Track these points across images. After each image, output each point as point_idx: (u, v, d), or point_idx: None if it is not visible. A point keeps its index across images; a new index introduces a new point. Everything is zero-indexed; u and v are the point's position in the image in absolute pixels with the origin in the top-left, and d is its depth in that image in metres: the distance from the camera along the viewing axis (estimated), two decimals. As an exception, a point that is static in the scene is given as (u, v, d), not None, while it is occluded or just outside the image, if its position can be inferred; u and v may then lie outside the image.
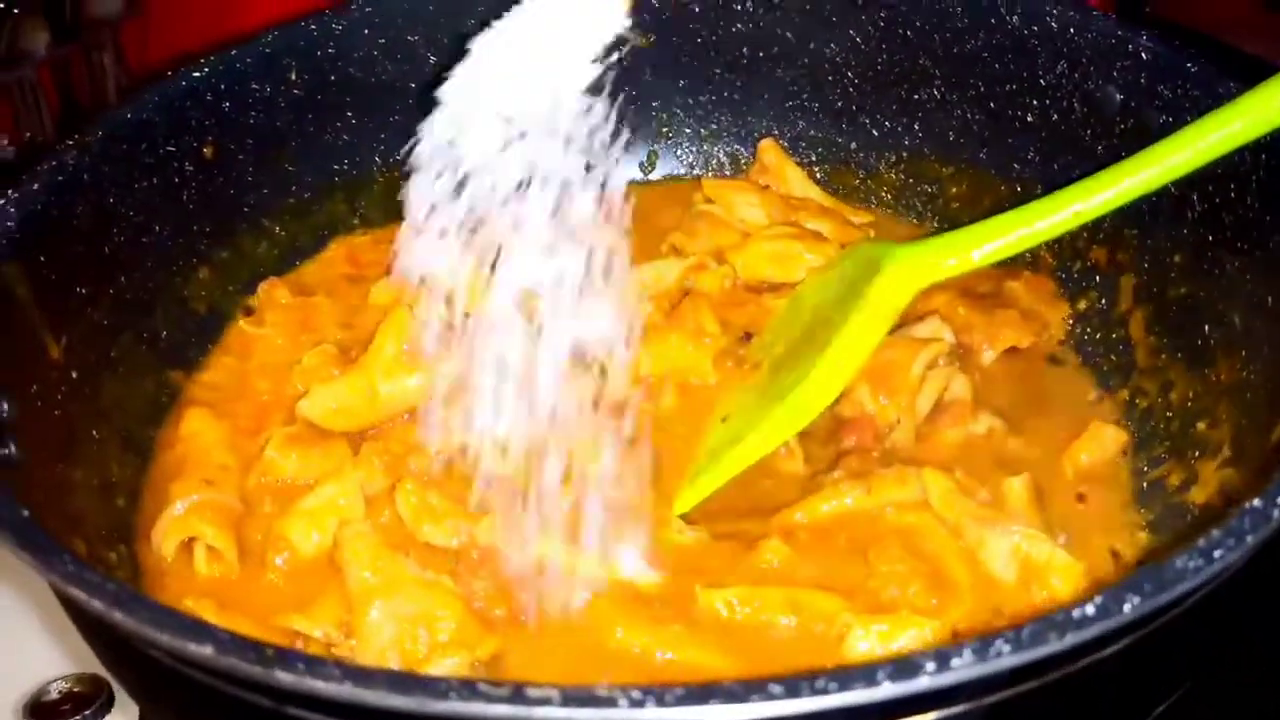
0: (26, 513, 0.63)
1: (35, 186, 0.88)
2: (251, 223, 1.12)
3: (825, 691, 0.49)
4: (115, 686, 1.01)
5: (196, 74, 1.04)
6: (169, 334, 1.03)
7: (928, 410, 0.99)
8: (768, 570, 0.88)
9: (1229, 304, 0.92)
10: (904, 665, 0.50)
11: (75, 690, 1.02)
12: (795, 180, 1.20)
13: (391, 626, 0.79)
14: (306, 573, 0.89)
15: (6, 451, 0.73)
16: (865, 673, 0.50)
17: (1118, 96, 1.03)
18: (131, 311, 0.99)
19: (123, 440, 0.94)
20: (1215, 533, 0.55)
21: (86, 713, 1.01)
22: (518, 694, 0.51)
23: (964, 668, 0.50)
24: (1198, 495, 0.89)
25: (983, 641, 0.51)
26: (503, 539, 0.86)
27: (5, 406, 0.76)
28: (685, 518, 0.92)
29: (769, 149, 1.22)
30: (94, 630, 0.69)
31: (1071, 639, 0.51)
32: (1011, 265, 1.12)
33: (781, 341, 1.03)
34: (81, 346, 0.91)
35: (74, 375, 0.90)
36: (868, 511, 0.92)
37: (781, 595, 0.86)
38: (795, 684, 0.49)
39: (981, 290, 1.11)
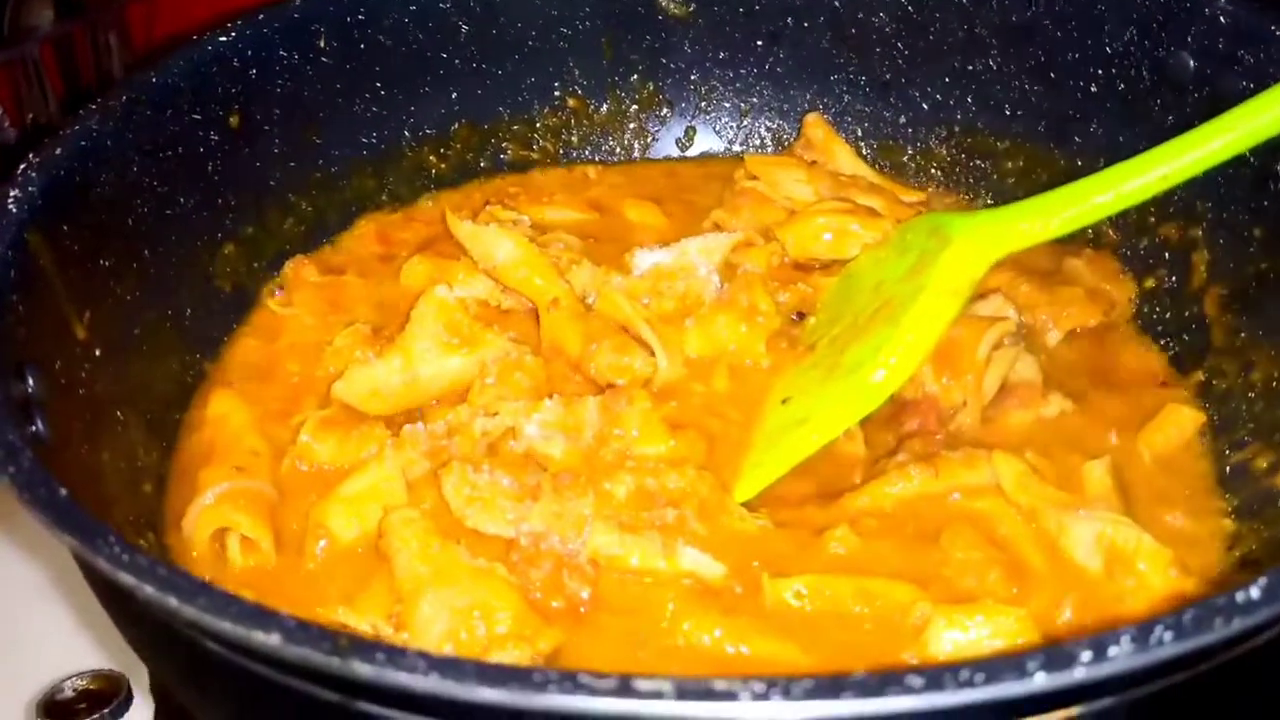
0: (65, 492, 0.57)
1: (59, 152, 0.83)
2: (278, 197, 1.07)
3: (971, 684, 0.44)
4: (133, 684, 0.97)
5: (224, 39, 0.99)
6: (194, 312, 0.98)
7: (994, 392, 0.94)
8: (836, 558, 0.83)
9: (1315, 276, 0.88)
10: (1057, 655, 0.45)
11: (91, 688, 0.98)
12: (843, 156, 1.15)
13: (445, 618, 0.74)
14: (348, 562, 0.83)
15: (36, 429, 0.67)
16: (1015, 663, 0.45)
17: (1191, 63, 0.98)
18: (156, 288, 0.93)
19: (148, 423, 0.89)
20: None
21: (104, 711, 0.97)
22: (625, 686, 0.45)
23: (1122, 657, 0.45)
24: (1289, 480, 0.85)
25: (1141, 628, 0.46)
26: (558, 526, 0.81)
27: (32, 382, 0.71)
28: (746, 505, 0.87)
29: (815, 123, 1.17)
30: (136, 620, 0.63)
31: (1239, 624, 0.46)
32: (1072, 243, 1.08)
33: (839, 321, 0.98)
34: (106, 324, 0.85)
35: (98, 354, 0.84)
36: (936, 496, 0.87)
37: (852, 585, 0.81)
38: (938, 675, 0.44)
39: (1043, 268, 1.06)
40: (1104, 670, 0.45)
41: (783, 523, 0.86)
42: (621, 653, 0.77)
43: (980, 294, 1.00)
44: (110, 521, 0.75)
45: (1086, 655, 0.45)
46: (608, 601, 0.80)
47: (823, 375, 0.92)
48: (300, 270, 1.05)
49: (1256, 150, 0.92)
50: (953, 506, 0.86)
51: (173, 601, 0.50)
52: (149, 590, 0.51)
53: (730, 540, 0.84)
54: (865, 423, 0.92)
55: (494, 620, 0.74)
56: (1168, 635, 0.45)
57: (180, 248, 0.97)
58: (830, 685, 0.44)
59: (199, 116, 0.98)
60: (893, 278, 0.95)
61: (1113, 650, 0.45)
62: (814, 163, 1.14)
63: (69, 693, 0.97)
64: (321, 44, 1.07)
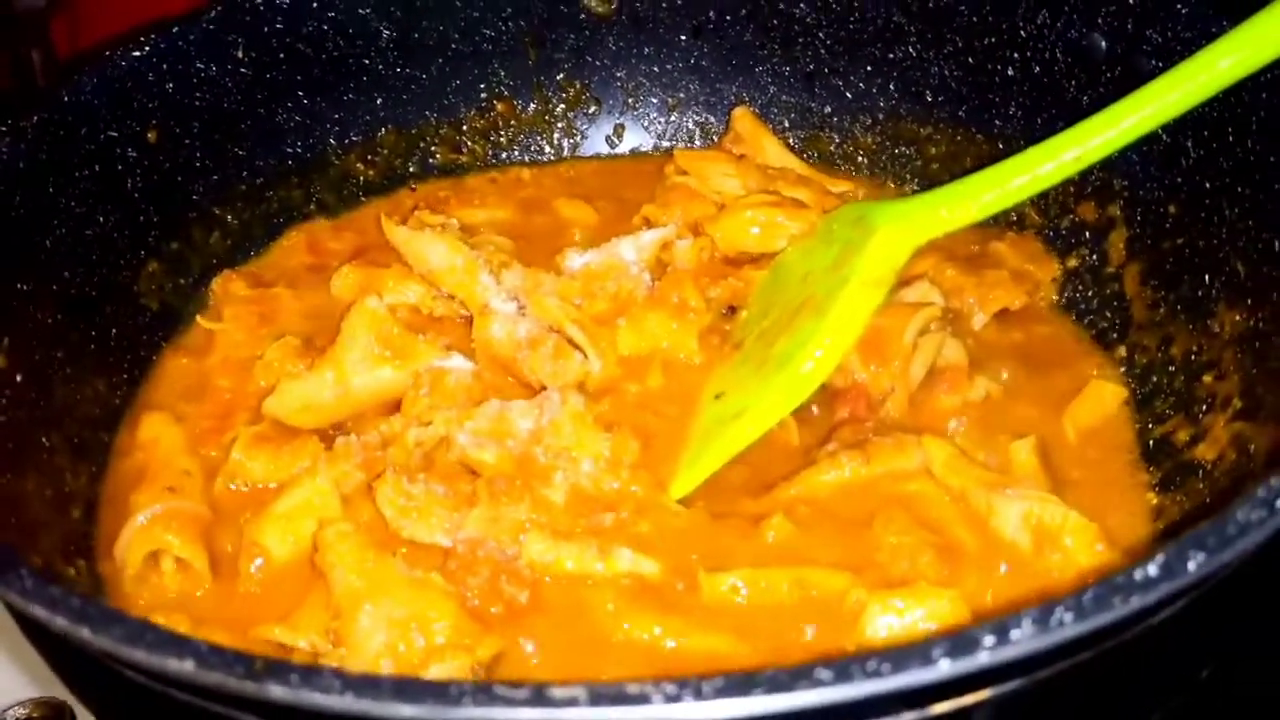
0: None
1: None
2: (201, 211, 1.06)
3: (879, 674, 0.45)
4: (77, 710, 0.96)
5: (137, 53, 0.98)
6: (119, 332, 0.97)
7: (921, 377, 0.96)
8: (772, 548, 0.84)
9: (1231, 252, 0.89)
10: (960, 641, 0.46)
11: (34, 716, 0.97)
12: (771, 148, 1.16)
13: (383, 632, 0.73)
14: (284, 580, 0.83)
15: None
16: (920, 651, 0.45)
17: (1103, 44, 1.00)
18: (78, 310, 0.92)
19: (75, 447, 0.88)
20: (1275, 481, 0.51)
21: None
22: (539, 695, 0.46)
23: (1025, 640, 0.46)
24: (1207, 451, 0.86)
25: (1041, 610, 0.47)
26: (493, 532, 0.81)
27: (-54, 413, 0.70)
28: (684, 499, 0.88)
29: (742, 117, 1.17)
30: (56, 651, 0.63)
31: (1137, 602, 0.47)
32: (996, 226, 1.09)
33: (769, 313, 0.98)
34: (26, 349, 0.84)
35: (19, 379, 0.83)
36: (868, 482, 0.88)
37: (787, 575, 0.81)
38: (845, 667, 0.45)
39: (967, 252, 1.07)
40: (1008, 654, 0.46)
41: (720, 514, 0.87)
42: (563, 656, 0.77)
43: (906, 280, 1.01)
44: (35, 550, 0.75)
45: (989, 640, 0.46)
46: (548, 604, 0.80)
47: (754, 369, 0.93)
48: (229, 285, 1.04)
49: (1168, 128, 0.93)
50: (885, 491, 0.87)
51: (85, 633, 0.50)
52: (61, 622, 0.50)
53: (668, 537, 0.85)
54: (797, 412, 0.93)
55: (432, 631, 0.74)
56: (1068, 616, 0.46)
57: (102, 268, 0.96)
58: (741, 683, 0.45)
59: (115, 134, 0.96)
60: (819, 269, 0.96)
61: (1015, 634, 0.46)
62: (742, 156, 1.15)
63: (19, 712, 0.96)
64: (239, 54, 1.06)
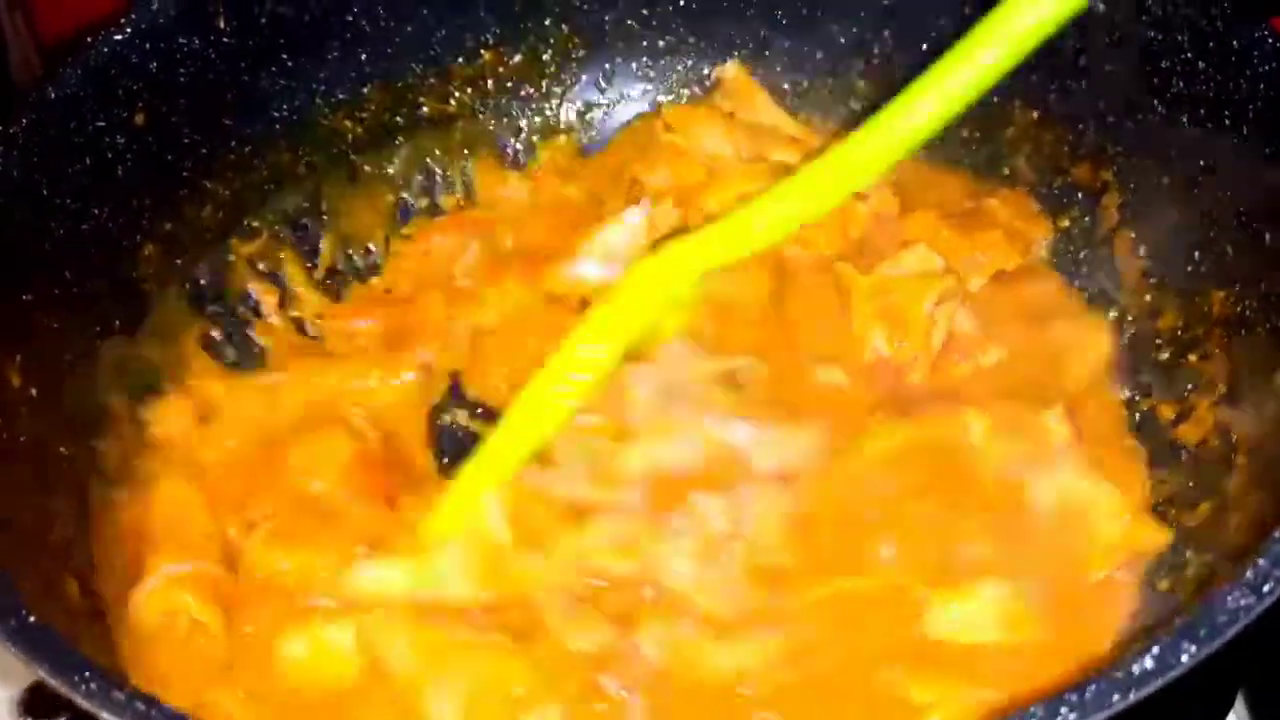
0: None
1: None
2: (193, 187, 1.04)
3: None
4: None
5: (119, 36, 0.95)
6: (122, 325, 0.97)
7: (940, 346, 0.98)
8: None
9: (1220, 234, 0.91)
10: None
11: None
12: (762, 105, 1.14)
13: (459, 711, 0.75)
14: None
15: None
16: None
17: (1100, 5, 0.98)
18: (82, 310, 0.92)
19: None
20: (1262, 563, 0.55)
21: None
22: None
23: (1034, 736, 0.50)
24: (1190, 434, 0.90)
25: (1047, 709, 0.51)
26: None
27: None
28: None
29: (734, 72, 1.16)
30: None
31: (1134, 696, 0.51)
32: (988, 181, 1.10)
33: None
34: (38, 363, 0.85)
35: (34, 393, 0.84)
36: (916, 449, 0.90)
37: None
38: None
39: (961, 209, 1.08)
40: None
41: None
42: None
43: (903, 242, 1.03)
44: (70, 572, 0.77)
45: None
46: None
47: None
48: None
49: (1162, 98, 0.94)
50: (931, 464, 0.89)
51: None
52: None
53: None
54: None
55: (510, 692, 0.75)
56: (1072, 716, 0.51)
57: (101, 261, 0.95)
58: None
59: (104, 122, 0.94)
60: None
61: (1025, 731, 0.50)
62: (732, 113, 1.13)
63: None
64: (220, 24, 1.02)
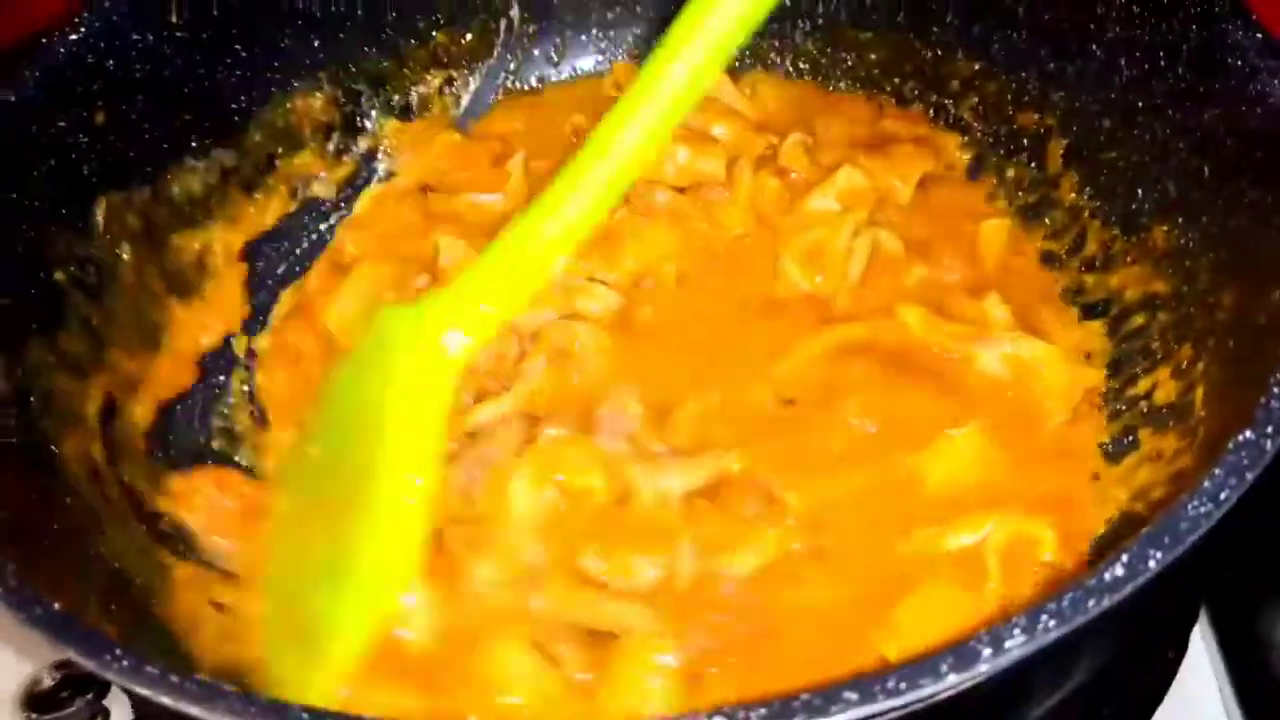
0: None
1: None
2: (152, 183, 1.05)
3: (898, 692, 0.53)
4: None
5: (74, 37, 0.95)
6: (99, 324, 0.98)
7: (859, 273, 1.03)
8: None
9: (1163, 171, 0.95)
10: (963, 653, 0.54)
11: (69, 675, 0.98)
12: None
13: None
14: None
15: None
16: (930, 666, 0.53)
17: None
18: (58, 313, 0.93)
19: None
20: (1218, 472, 0.59)
21: (87, 697, 0.98)
22: None
23: (1018, 648, 0.54)
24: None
25: (1029, 619, 0.54)
26: None
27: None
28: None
29: None
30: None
31: (1107, 601, 0.55)
32: (870, 105, 1.16)
33: (338, 466, 0.84)
34: (23, 367, 0.86)
35: (32, 401, 0.85)
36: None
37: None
38: (869, 687, 0.53)
39: (863, 137, 1.13)
40: (1002, 661, 0.54)
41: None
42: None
43: (829, 169, 1.07)
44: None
45: (987, 652, 0.54)
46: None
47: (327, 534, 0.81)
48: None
49: (1099, 44, 0.98)
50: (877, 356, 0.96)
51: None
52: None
53: None
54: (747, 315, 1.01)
55: None
56: (1051, 622, 0.54)
57: (67, 263, 0.95)
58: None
59: (64, 123, 0.95)
60: (374, 402, 0.82)
61: (1009, 643, 0.54)
62: None
63: (48, 682, 0.98)
64: (173, 18, 1.03)
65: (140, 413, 0.96)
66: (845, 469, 0.89)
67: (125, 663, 0.58)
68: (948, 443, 0.89)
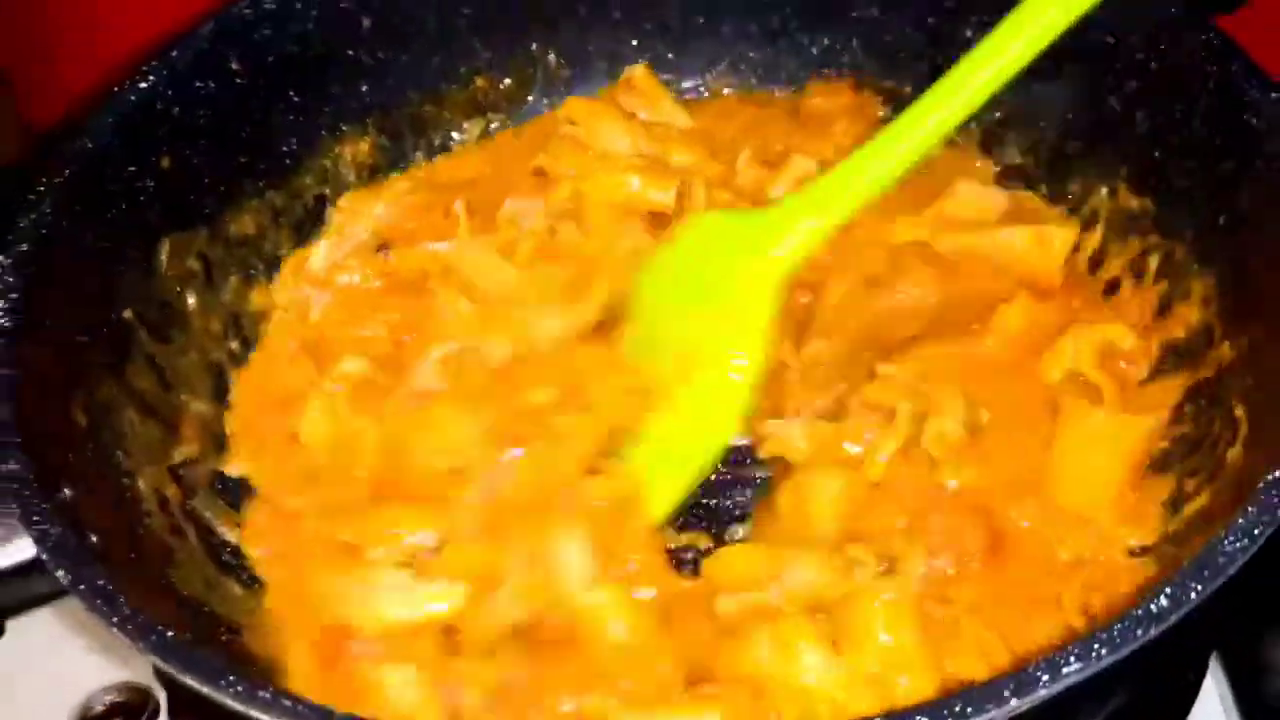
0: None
1: (25, 249, 0.85)
2: (211, 224, 1.09)
3: (964, 716, 0.57)
4: (160, 695, 1.02)
5: (144, 85, 0.99)
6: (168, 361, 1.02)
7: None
8: None
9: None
10: (1023, 680, 0.58)
11: (121, 701, 1.02)
12: (666, 107, 1.20)
13: None
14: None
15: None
16: (993, 692, 0.58)
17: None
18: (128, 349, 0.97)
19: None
20: (1252, 510, 0.64)
21: None
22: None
23: (1073, 674, 0.58)
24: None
25: (1081, 649, 0.59)
26: None
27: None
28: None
29: (641, 74, 1.21)
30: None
31: (1154, 630, 0.60)
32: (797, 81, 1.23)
33: (661, 345, 1.00)
34: (99, 400, 0.90)
35: (103, 436, 0.89)
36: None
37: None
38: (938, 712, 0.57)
39: (793, 118, 1.19)
40: (1058, 687, 0.58)
41: None
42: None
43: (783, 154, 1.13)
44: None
45: (1045, 678, 0.58)
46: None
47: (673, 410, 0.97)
48: None
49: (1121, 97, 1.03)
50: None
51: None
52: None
53: None
54: None
55: None
56: (1104, 650, 0.59)
57: (134, 303, 0.99)
58: None
59: (134, 168, 0.99)
60: (701, 293, 1.00)
61: (1066, 669, 0.58)
62: (634, 115, 1.19)
63: (99, 708, 1.02)
64: (233, 65, 1.07)
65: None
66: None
67: (239, 688, 0.61)
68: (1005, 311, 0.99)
